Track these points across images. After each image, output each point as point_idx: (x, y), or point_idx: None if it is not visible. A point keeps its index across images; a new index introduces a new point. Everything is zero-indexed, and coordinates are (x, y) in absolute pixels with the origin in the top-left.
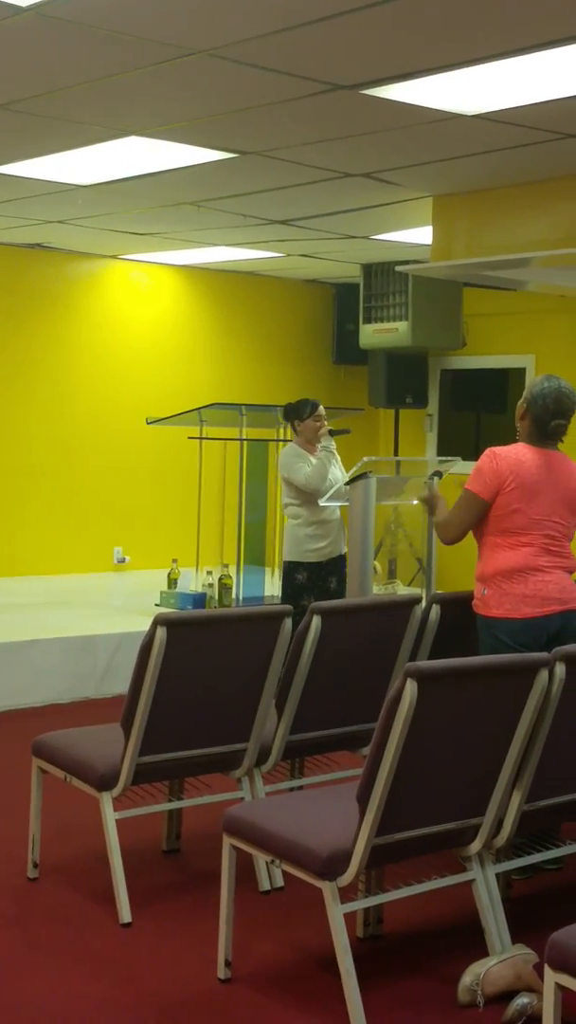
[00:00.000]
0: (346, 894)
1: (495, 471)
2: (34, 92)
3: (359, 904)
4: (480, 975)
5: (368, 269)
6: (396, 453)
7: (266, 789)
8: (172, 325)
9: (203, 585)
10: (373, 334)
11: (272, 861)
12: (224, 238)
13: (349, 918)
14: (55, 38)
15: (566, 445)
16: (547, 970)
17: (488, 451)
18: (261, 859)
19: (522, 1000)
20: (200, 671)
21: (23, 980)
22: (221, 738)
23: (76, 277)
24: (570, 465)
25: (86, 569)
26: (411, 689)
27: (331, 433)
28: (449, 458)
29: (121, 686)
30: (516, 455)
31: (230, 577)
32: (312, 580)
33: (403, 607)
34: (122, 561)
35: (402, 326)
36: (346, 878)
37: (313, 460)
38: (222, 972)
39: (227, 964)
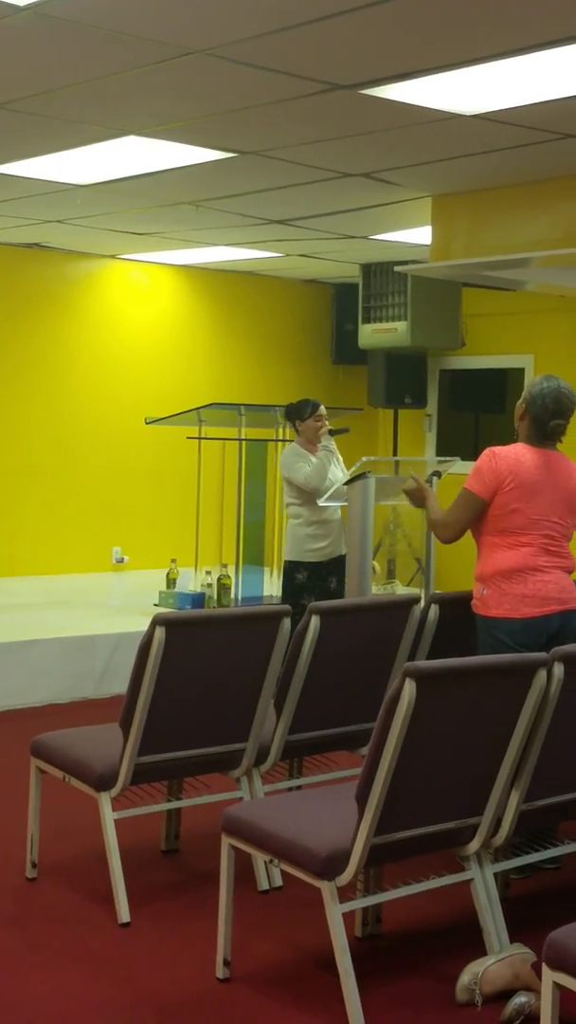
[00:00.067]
0: (345, 893)
1: (494, 471)
2: (32, 91)
3: (358, 903)
4: (478, 974)
5: (367, 269)
6: (395, 453)
7: (265, 789)
8: (171, 325)
9: (202, 585)
10: (372, 334)
11: (271, 861)
12: (223, 238)
13: (348, 917)
14: (53, 37)
15: (565, 445)
16: (545, 969)
17: (487, 451)
18: (260, 859)
19: (520, 999)
20: (199, 671)
21: (22, 980)
22: (220, 738)
23: (75, 277)
24: (569, 465)
25: (85, 569)
26: (410, 689)
27: (330, 433)
28: (448, 458)
29: (120, 686)
30: (515, 455)
31: (229, 577)
32: (312, 580)
33: (402, 607)
34: (121, 561)
35: (401, 326)
36: (345, 877)
37: (314, 460)
38: (221, 972)
39: (226, 964)
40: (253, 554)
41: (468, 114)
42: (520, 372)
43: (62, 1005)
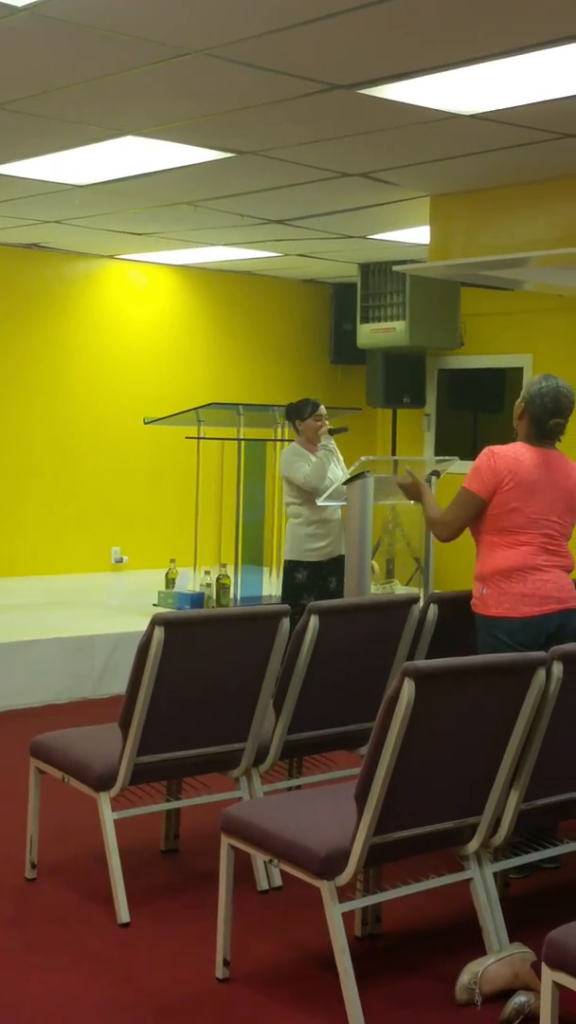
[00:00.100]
0: (344, 893)
1: (493, 470)
2: (30, 92)
3: (357, 903)
4: (478, 974)
5: (366, 269)
6: (394, 453)
7: (264, 789)
8: (169, 325)
9: (201, 585)
10: (371, 334)
11: (270, 860)
12: (221, 238)
13: (347, 917)
14: (51, 38)
15: (564, 444)
16: (544, 968)
17: (486, 450)
18: (259, 859)
19: (520, 999)
20: (198, 671)
21: (21, 980)
22: (219, 738)
23: (73, 277)
24: (568, 464)
25: (84, 569)
26: (409, 688)
27: (329, 432)
28: (447, 458)
29: (119, 686)
30: (514, 454)
31: (228, 577)
32: (312, 579)
33: (401, 606)
34: (120, 561)
35: (399, 326)
36: (344, 877)
37: (313, 459)
38: (220, 972)
39: (225, 963)
40: (252, 554)
41: (466, 114)
42: (519, 371)
43: (62, 1005)
